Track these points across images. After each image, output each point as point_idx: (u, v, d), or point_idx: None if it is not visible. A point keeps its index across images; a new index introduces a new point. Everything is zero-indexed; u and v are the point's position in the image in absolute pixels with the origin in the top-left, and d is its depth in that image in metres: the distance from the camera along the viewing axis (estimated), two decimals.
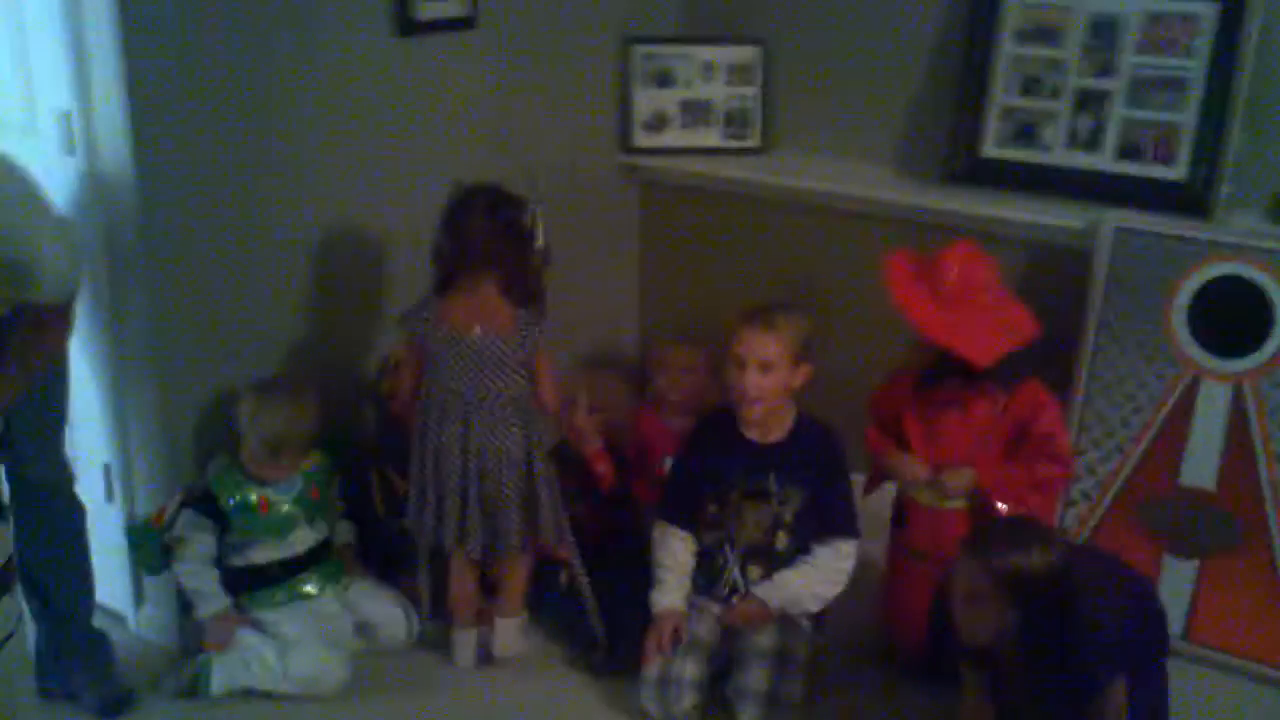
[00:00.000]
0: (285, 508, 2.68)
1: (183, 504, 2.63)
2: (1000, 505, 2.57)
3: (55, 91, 2.52)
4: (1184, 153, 2.88)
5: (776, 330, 2.54)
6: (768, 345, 2.53)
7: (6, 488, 1.89)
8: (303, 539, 2.72)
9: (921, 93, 3.23)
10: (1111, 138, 2.97)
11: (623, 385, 3.21)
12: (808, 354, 2.58)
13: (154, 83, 2.49)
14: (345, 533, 2.83)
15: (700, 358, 3.06)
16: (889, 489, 2.78)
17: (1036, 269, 2.96)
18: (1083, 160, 3.00)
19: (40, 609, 2.28)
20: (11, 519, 1.91)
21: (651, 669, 2.56)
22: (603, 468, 2.94)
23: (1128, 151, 2.96)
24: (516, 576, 2.81)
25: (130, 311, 2.61)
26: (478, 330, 2.61)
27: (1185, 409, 2.75)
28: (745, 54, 3.46)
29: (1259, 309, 2.67)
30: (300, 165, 2.78)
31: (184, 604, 2.69)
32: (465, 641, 2.79)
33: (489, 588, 2.84)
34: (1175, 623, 2.70)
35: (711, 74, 3.48)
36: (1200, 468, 2.74)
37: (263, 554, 2.69)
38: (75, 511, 2.55)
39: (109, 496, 2.76)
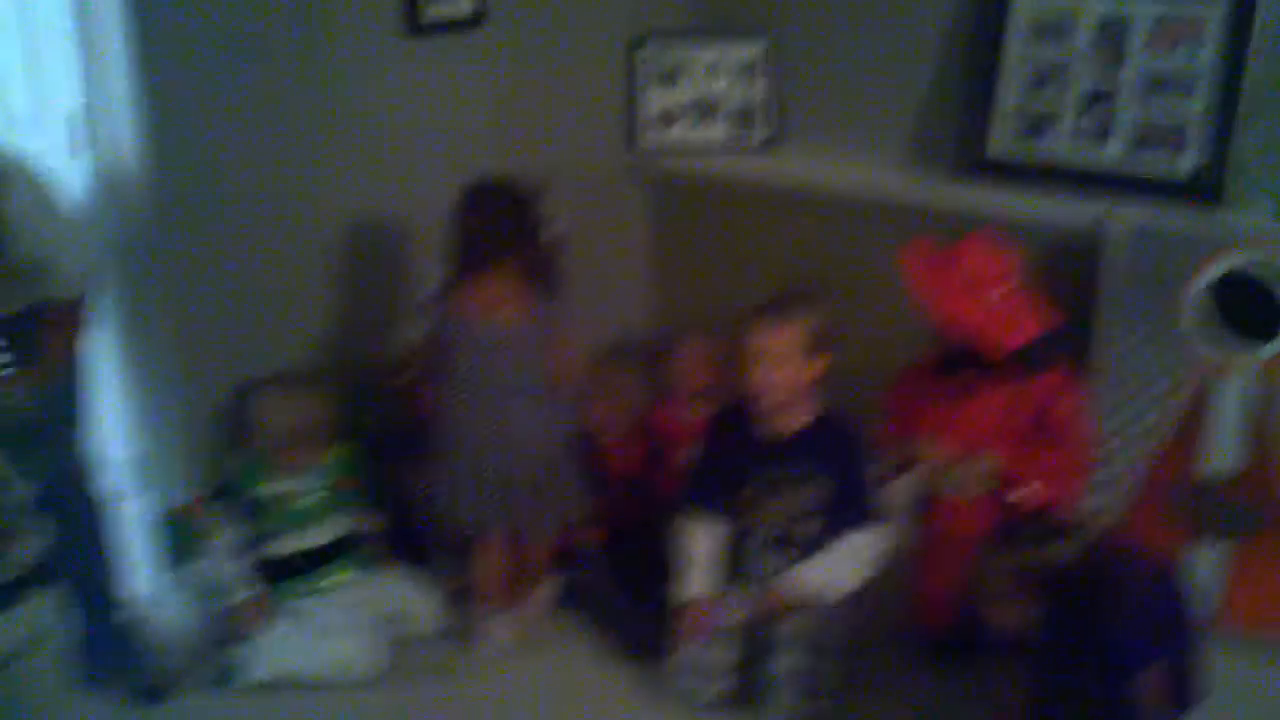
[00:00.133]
0: (311, 499, 2.70)
1: (209, 496, 2.65)
2: (1021, 493, 2.57)
3: (65, 90, 2.53)
4: (1193, 147, 2.89)
5: (785, 324, 2.55)
6: (777, 339, 2.54)
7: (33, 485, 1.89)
8: (329, 529, 2.73)
9: (930, 88, 3.24)
10: (1120, 131, 2.98)
11: (639, 378, 3.22)
12: (821, 347, 2.57)
13: (164, 80, 2.49)
14: (370, 523, 2.83)
15: (712, 350, 3.06)
16: (909, 478, 2.78)
17: (1047, 264, 2.95)
18: (1092, 156, 3.01)
19: (71, 601, 2.28)
20: (41, 516, 1.90)
21: (680, 657, 2.58)
22: (621, 459, 2.95)
23: (1137, 145, 2.96)
24: (540, 554, 2.85)
25: (147, 307, 2.62)
26: (496, 319, 2.63)
27: (1205, 397, 2.76)
28: (753, 51, 3.46)
29: (1272, 298, 2.67)
30: (310, 162, 2.78)
31: (212, 594, 2.69)
32: (494, 625, 2.80)
33: (513, 576, 2.86)
34: (1204, 608, 2.70)
35: (719, 71, 3.48)
36: (1223, 454, 2.75)
37: (289, 545, 2.70)
38: (97, 503, 2.53)
39: (132, 490, 2.76)
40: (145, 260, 2.58)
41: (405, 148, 2.96)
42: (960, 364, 2.61)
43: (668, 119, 3.51)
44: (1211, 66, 2.85)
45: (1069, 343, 2.77)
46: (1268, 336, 2.69)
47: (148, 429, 2.73)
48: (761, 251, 3.42)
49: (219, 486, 2.66)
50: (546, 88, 3.26)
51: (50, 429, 2.28)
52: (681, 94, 3.49)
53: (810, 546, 2.61)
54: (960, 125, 3.17)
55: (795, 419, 2.63)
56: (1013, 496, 2.57)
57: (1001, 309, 2.58)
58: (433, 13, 2.93)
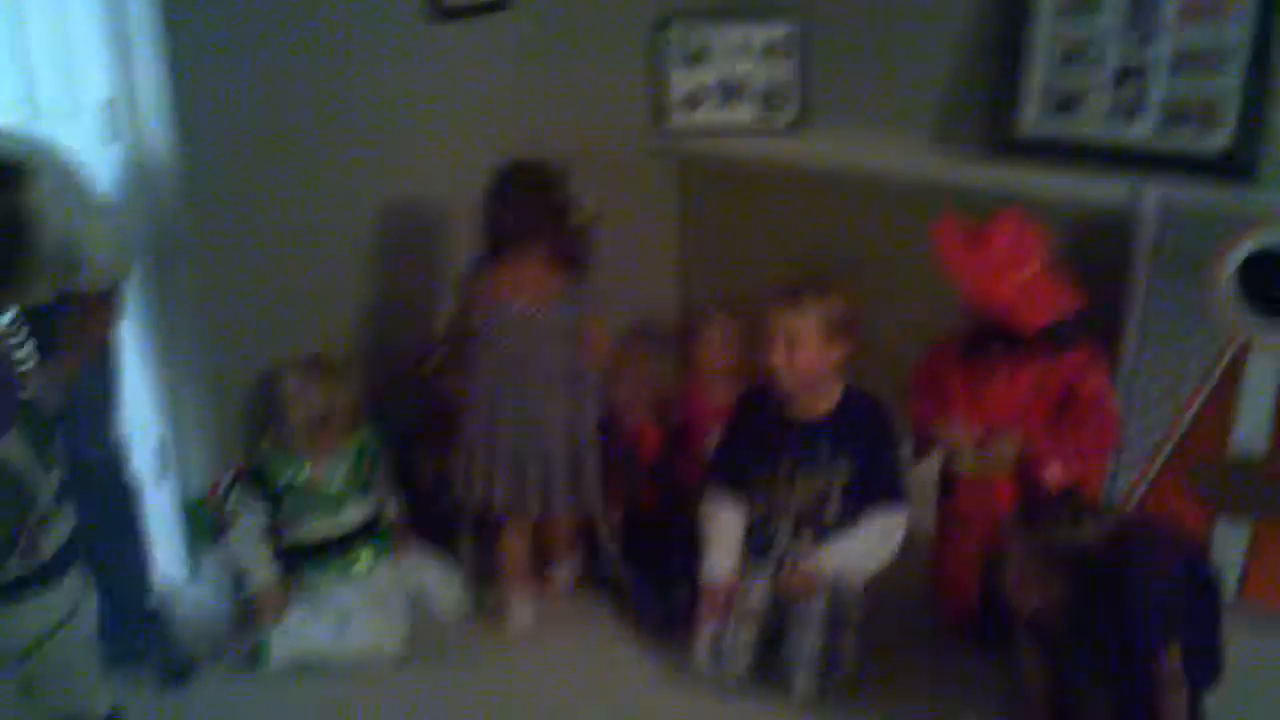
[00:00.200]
0: (335, 483, 2.71)
1: (235, 480, 2.68)
2: (1047, 471, 2.57)
3: (98, 78, 2.54)
4: (1225, 123, 2.85)
5: (804, 308, 2.55)
6: (795, 322, 2.55)
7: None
8: (353, 514, 2.74)
9: (958, 67, 3.21)
10: (1153, 108, 2.94)
11: (666, 360, 3.23)
12: (841, 331, 2.57)
13: (196, 68, 2.51)
14: (395, 507, 2.85)
15: (738, 329, 3.07)
16: (935, 458, 2.78)
17: (1078, 242, 2.94)
18: (1124, 132, 2.98)
19: (100, 584, 2.30)
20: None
21: (705, 635, 2.60)
22: (648, 441, 2.97)
23: (1170, 121, 2.93)
24: (564, 535, 2.89)
25: (178, 294, 2.65)
26: (526, 301, 2.65)
27: (1234, 375, 2.73)
28: (779, 31, 3.44)
29: None
30: (337, 149, 2.80)
31: (236, 578, 2.73)
32: (519, 603, 2.83)
33: (537, 556, 2.89)
34: (1228, 587, 2.69)
35: (746, 51, 3.47)
36: (1251, 433, 2.73)
37: (315, 529, 2.71)
38: (129, 488, 2.58)
39: (162, 474, 2.80)
40: (175, 248, 2.61)
41: (432, 133, 2.97)
42: (987, 343, 2.61)
43: (694, 100, 3.49)
44: (1243, 42, 2.80)
45: (1099, 321, 2.76)
46: None
47: (175, 415, 2.76)
48: (788, 233, 3.41)
49: (245, 471, 2.68)
50: (572, 70, 3.26)
51: (82, 417, 2.30)
52: (707, 75, 3.48)
53: (835, 528, 2.62)
54: (988, 104, 3.15)
55: (822, 401, 2.63)
56: (1045, 475, 2.57)
57: (1032, 287, 2.57)
58: None
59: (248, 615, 2.70)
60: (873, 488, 2.61)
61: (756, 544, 2.67)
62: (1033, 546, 2.21)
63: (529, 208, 2.62)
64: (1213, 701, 2.31)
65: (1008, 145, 3.12)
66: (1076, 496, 2.42)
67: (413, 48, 2.90)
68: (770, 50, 3.46)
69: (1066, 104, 3.05)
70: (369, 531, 2.78)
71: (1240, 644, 2.39)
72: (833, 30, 3.39)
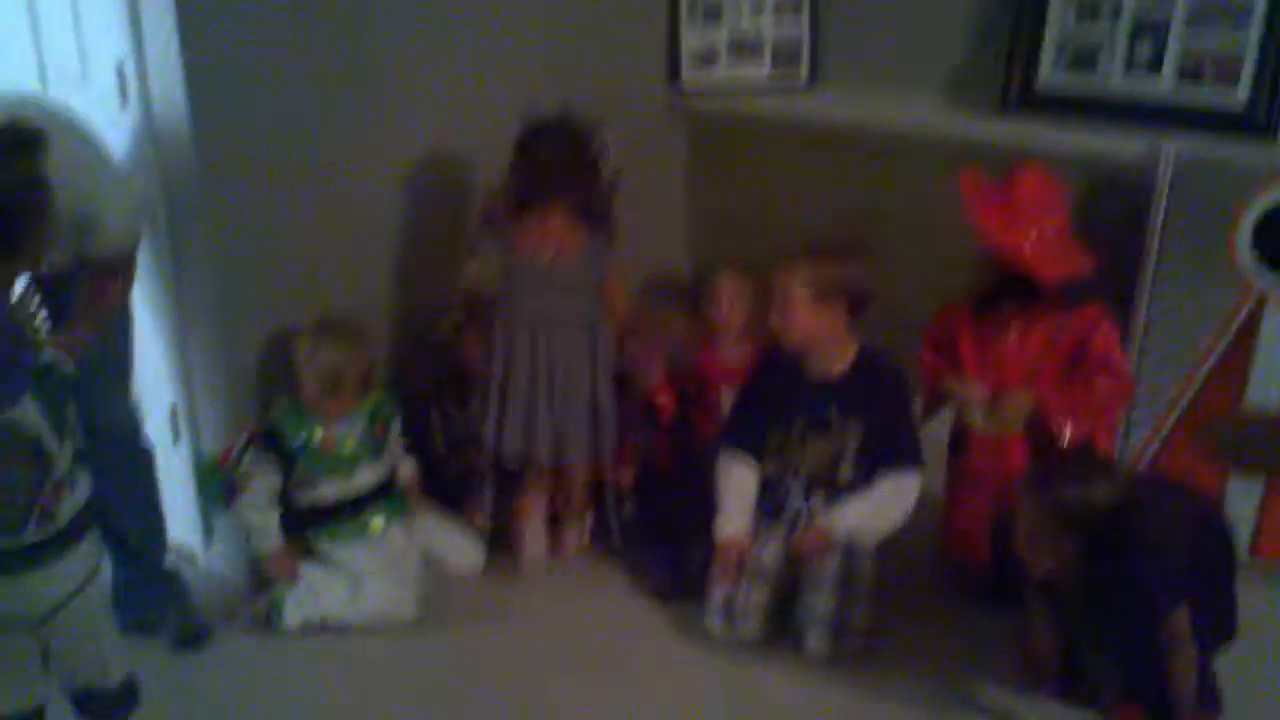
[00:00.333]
0: (349, 445, 2.71)
1: (248, 443, 2.68)
2: (1059, 428, 2.57)
3: (110, 42, 2.53)
4: (1246, 76, 2.81)
5: (800, 270, 2.57)
6: (785, 285, 2.57)
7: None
8: (367, 475, 2.75)
9: (977, 22, 3.17)
10: (1171, 63, 2.90)
11: (681, 318, 3.23)
12: (835, 294, 2.57)
13: (208, 31, 2.49)
14: (409, 468, 2.87)
15: (749, 288, 3.07)
16: (946, 416, 2.78)
17: (1096, 198, 2.91)
18: (1142, 87, 2.94)
19: (116, 548, 2.33)
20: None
21: (717, 595, 2.62)
22: (663, 399, 2.99)
23: (1188, 77, 2.89)
24: (579, 483, 2.93)
25: (191, 258, 2.65)
26: (550, 255, 2.67)
27: (1251, 330, 2.72)
28: None
29: None
30: (354, 108, 2.78)
31: (250, 541, 2.73)
32: (533, 534, 2.89)
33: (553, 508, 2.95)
34: (1241, 542, 2.71)
35: (760, 8, 3.44)
36: (1266, 388, 2.73)
37: (328, 491, 2.72)
38: (144, 454, 2.60)
39: (175, 438, 2.82)
40: (191, 211, 2.61)
41: (448, 92, 2.95)
42: (999, 301, 2.62)
43: (709, 57, 3.47)
44: None
45: (1115, 276, 2.74)
46: None
47: (189, 379, 2.77)
48: (803, 191, 3.38)
49: (258, 434, 2.69)
50: (586, 27, 3.23)
51: (97, 383, 2.30)
52: (723, 32, 3.45)
53: (848, 488, 2.63)
54: (1007, 59, 3.10)
55: (835, 362, 2.64)
56: (1060, 430, 2.57)
57: (1053, 239, 2.58)
58: None
59: (262, 578, 2.73)
60: (886, 450, 2.61)
61: (769, 505, 2.69)
62: (1043, 506, 2.20)
63: (560, 161, 2.64)
64: (1225, 657, 2.32)
65: (1025, 101, 3.09)
66: (1088, 454, 2.42)
67: (430, 3, 2.88)
68: (786, 6, 3.43)
69: (1084, 59, 3.01)
70: (383, 494, 2.79)
71: (1253, 599, 2.40)
72: None
